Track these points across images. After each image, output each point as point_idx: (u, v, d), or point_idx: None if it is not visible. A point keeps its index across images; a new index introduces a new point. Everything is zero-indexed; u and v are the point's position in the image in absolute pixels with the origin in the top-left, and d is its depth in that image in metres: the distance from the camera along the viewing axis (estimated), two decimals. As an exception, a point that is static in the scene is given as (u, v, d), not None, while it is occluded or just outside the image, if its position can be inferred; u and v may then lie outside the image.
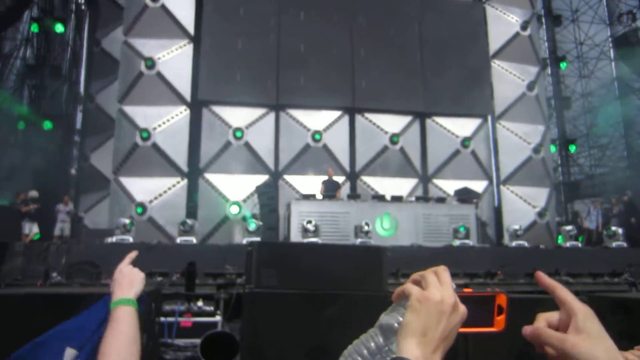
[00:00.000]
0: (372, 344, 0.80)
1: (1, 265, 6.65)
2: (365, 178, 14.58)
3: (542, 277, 0.82)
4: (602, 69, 18.76)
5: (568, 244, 11.86)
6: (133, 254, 1.56)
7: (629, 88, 17.43)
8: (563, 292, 0.79)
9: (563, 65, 19.19)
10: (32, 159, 13.46)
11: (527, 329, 0.80)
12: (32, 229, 11.04)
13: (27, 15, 14.46)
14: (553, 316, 0.80)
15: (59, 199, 12.41)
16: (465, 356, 3.88)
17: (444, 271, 0.82)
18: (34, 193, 11.23)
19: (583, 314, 0.76)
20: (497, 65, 15.85)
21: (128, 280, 1.44)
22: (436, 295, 0.78)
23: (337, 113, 14.70)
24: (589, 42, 19.08)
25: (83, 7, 17.89)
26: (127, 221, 10.14)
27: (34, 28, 15.21)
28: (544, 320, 0.80)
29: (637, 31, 15.39)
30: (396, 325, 0.79)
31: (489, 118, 15.68)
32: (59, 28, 15.64)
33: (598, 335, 0.74)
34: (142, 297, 1.47)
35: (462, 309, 0.81)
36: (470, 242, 11.41)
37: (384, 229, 11.56)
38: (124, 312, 1.34)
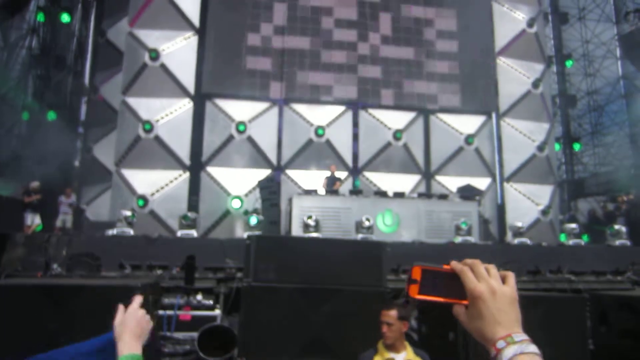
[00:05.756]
0: None
1: (2, 256, 6.65)
2: (367, 174, 14.54)
3: (454, 264, 0.97)
4: (608, 67, 18.60)
5: (571, 242, 11.78)
6: (139, 299, 1.47)
7: (634, 87, 17.28)
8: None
9: (569, 63, 19.06)
10: (36, 150, 13.44)
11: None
12: (34, 220, 11.02)
13: (33, 4, 14.38)
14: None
15: (62, 190, 12.41)
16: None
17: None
18: (36, 184, 11.20)
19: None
20: (502, 62, 15.74)
21: (138, 329, 1.38)
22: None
23: (341, 108, 14.65)
24: (595, 41, 18.91)
25: (90, -4, 17.82)
26: (128, 213, 10.12)
27: (40, 17, 15.13)
28: None
29: (644, 29, 15.23)
30: None
31: (493, 115, 15.60)
32: (65, 18, 15.58)
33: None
34: (148, 343, 1.42)
35: None
36: (472, 238, 11.36)
37: (386, 225, 11.52)
38: None
